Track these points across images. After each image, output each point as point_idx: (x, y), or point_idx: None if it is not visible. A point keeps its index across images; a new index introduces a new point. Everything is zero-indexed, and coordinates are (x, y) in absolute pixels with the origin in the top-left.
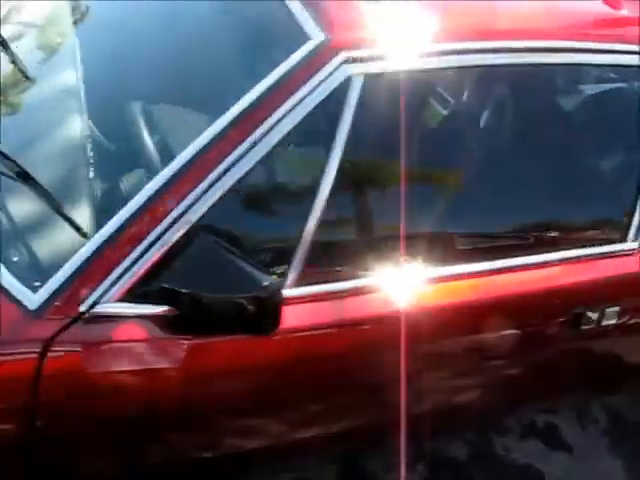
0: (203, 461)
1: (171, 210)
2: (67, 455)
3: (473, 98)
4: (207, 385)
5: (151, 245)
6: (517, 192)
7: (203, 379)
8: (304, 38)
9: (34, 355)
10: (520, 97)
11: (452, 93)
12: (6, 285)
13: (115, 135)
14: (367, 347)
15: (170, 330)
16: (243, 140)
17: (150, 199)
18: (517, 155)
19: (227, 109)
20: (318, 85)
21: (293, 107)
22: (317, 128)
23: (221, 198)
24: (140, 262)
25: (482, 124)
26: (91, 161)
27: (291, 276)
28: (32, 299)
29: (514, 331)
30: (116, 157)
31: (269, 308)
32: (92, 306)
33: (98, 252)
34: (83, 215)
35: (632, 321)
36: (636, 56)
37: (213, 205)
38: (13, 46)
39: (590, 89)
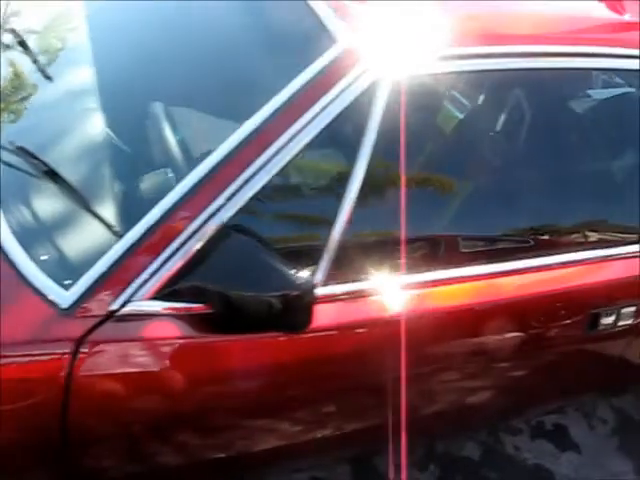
0: (223, 460)
1: (203, 209)
2: (98, 456)
3: (489, 102)
4: (235, 384)
5: (183, 243)
6: (535, 194)
7: (230, 378)
8: (330, 42)
9: (66, 354)
10: (533, 101)
11: (469, 97)
12: (38, 284)
13: (145, 135)
14: (388, 347)
15: (202, 328)
16: (274, 141)
17: (182, 198)
18: (535, 158)
19: (255, 111)
20: (344, 90)
21: (320, 112)
22: (343, 133)
23: (251, 199)
24: (172, 260)
25: (498, 127)
26: (122, 160)
27: (319, 275)
28: (64, 298)
29: (531, 332)
30: (147, 156)
31: (302, 306)
32: (123, 305)
33: (130, 250)
34: (115, 214)
35: None
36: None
37: (244, 205)
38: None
39: (601, 93)
